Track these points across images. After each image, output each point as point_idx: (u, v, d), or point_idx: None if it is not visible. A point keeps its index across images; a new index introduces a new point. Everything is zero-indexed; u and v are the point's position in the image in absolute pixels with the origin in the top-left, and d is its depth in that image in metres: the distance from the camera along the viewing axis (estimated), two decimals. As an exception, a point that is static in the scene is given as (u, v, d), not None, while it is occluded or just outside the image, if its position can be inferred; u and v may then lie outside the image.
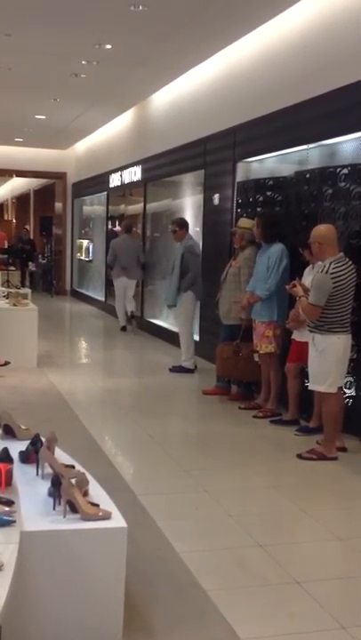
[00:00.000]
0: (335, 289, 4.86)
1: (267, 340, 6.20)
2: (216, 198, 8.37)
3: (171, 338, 10.11)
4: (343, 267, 4.92)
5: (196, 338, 8.52)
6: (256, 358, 6.48)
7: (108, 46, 8.14)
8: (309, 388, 5.29)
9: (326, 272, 4.88)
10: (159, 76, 9.67)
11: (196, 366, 8.10)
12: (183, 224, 8.16)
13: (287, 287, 5.37)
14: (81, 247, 16.99)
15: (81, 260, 17.04)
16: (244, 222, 6.80)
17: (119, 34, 7.72)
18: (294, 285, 5.26)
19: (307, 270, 5.71)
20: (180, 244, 8.03)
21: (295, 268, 6.04)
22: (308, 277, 5.53)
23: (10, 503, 2.64)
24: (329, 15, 6.15)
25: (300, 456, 5.09)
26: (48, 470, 3.03)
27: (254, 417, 6.16)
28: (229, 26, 7.31)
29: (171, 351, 9.55)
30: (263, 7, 6.75)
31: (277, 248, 6.19)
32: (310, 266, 5.66)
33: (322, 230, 5.06)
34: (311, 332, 5.07)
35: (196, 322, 8.59)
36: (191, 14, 6.88)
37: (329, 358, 4.95)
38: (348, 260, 4.99)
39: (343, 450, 5.21)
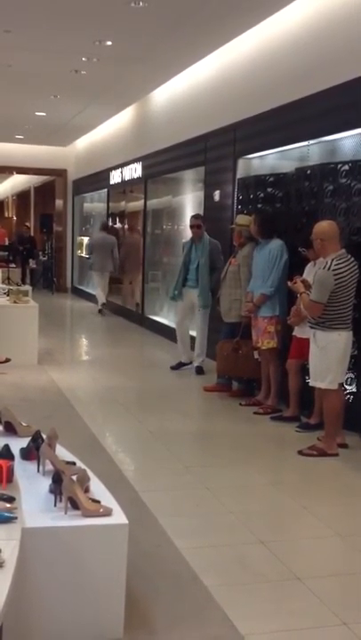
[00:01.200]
0: (337, 286, 4.85)
1: (268, 336, 6.20)
2: (217, 195, 8.36)
3: (171, 335, 10.10)
4: (345, 263, 4.92)
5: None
6: (256, 356, 6.48)
7: (109, 43, 8.13)
8: (310, 384, 5.29)
9: (328, 269, 4.87)
10: (160, 72, 9.65)
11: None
12: (204, 220, 7.87)
13: (289, 283, 5.37)
14: (81, 244, 16.99)
15: (81, 257, 17.03)
16: (242, 219, 6.79)
17: (119, 30, 7.70)
18: (295, 282, 5.26)
19: (308, 267, 5.71)
20: (202, 241, 7.71)
21: (294, 264, 6.04)
22: (309, 275, 5.53)
23: (11, 500, 2.64)
24: (328, 11, 6.13)
25: (300, 452, 5.09)
26: (49, 467, 3.04)
27: (255, 413, 6.17)
28: (230, 22, 7.30)
29: (171, 348, 9.55)
30: (263, 3, 6.74)
31: (277, 244, 6.20)
32: (311, 263, 5.65)
33: (324, 226, 5.05)
34: (312, 328, 5.07)
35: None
36: (191, 11, 6.87)
37: (330, 355, 4.95)
38: (350, 256, 4.99)
39: (344, 446, 5.21)
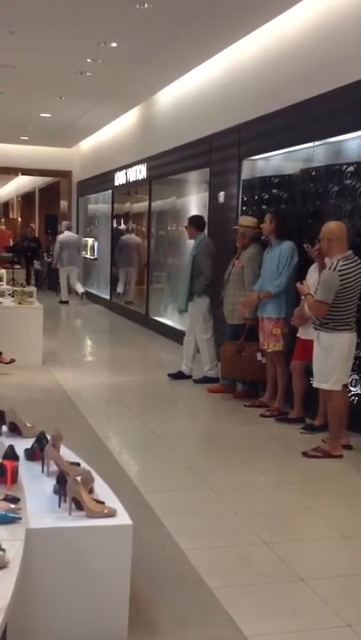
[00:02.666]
0: (342, 286, 4.85)
1: (274, 339, 6.18)
2: (221, 196, 8.36)
3: (175, 336, 10.11)
4: (351, 264, 4.91)
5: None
6: (259, 357, 6.47)
7: (114, 44, 8.14)
8: (314, 385, 5.28)
9: (334, 269, 4.87)
10: (164, 73, 9.66)
11: (220, 376, 7.16)
12: (194, 221, 7.65)
13: (297, 285, 5.34)
14: (86, 245, 17.00)
15: (86, 258, 17.04)
16: (246, 220, 6.78)
17: (124, 32, 7.71)
18: (301, 283, 5.25)
19: (311, 268, 5.70)
20: (193, 244, 7.63)
21: (301, 265, 6.03)
22: (312, 275, 5.53)
23: (15, 500, 2.65)
24: (333, 13, 6.13)
25: (305, 454, 5.09)
26: (53, 468, 3.04)
27: (261, 416, 6.15)
28: (235, 23, 7.30)
29: (176, 349, 9.55)
30: (268, 5, 6.74)
31: (288, 245, 6.16)
32: (315, 264, 5.65)
33: (332, 227, 5.05)
34: (316, 329, 5.06)
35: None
36: (196, 12, 6.87)
37: (334, 356, 4.95)
38: (356, 257, 4.98)
39: (349, 447, 5.20)
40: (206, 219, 8.04)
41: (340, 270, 4.86)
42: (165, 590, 3.12)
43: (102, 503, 2.74)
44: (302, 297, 5.27)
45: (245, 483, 4.62)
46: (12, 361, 7.43)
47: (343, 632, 2.84)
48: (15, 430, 3.59)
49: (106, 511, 2.68)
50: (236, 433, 5.79)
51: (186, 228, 7.80)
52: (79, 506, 2.67)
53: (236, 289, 6.67)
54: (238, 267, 6.72)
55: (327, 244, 5.02)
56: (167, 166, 10.69)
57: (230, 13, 6.94)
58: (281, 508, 4.22)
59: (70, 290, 15.38)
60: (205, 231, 7.75)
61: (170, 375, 7.66)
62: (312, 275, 5.56)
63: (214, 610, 2.96)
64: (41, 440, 3.26)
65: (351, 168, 5.69)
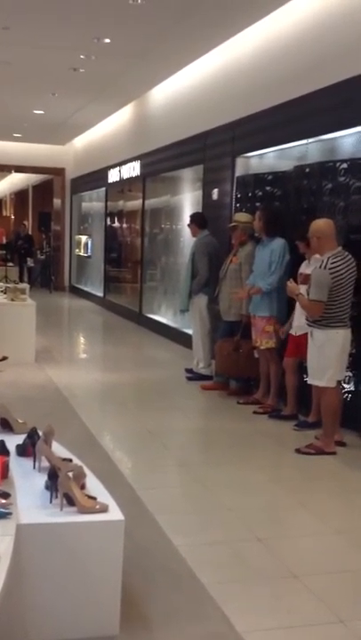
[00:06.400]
0: (334, 283, 4.84)
1: (267, 336, 6.18)
2: (215, 193, 8.34)
3: (169, 334, 10.10)
4: (342, 261, 4.90)
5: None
6: (257, 355, 6.46)
7: (107, 40, 8.11)
8: (309, 382, 5.27)
9: (325, 267, 4.86)
10: (158, 70, 9.64)
11: (213, 373, 7.20)
12: (195, 218, 7.63)
13: (288, 284, 5.32)
14: (80, 243, 16.97)
15: (80, 255, 17.02)
16: (243, 217, 6.77)
17: (118, 28, 7.69)
18: (293, 287, 5.22)
19: (303, 265, 5.69)
20: (194, 242, 7.60)
21: (293, 262, 6.02)
22: (304, 271, 5.52)
23: (6, 496, 2.62)
24: (327, 9, 6.12)
25: (298, 451, 5.08)
26: (45, 464, 3.02)
27: (255, 413, 6.14)
28: (228, 20, 7.28)
29: (169, 347, 9.55)
30: (261, 2, 6.72)
31: (279, 243, 6.16)
32: (306, 261, 5.65)
33: (320, 224, 5.04)
34: (310, 326, 5.05)
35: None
36: (190, 8, 6.85)
37: (328, 353, 4.94)
38: (347, 254, 4.97)
39: (342, 444, 5.20)
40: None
41: (330, 268, 4.85)
42: (158, 586, 3.10)
43: (94, 499, 2.72)
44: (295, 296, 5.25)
45: (239, 479, 4.61)
46: (4, 358, 7.40)
47: (336, 628, 2.83)
48: (6, 426, 3.56)
49: (98, 507, 2.66)
50: (230, 430, 5.78)
51: (188, 225, 7.77)
52: (71, 501, 2.65)
53: (233, 286, 6.66)
54: (236, 263, 6.70)
55: (317, 242, 5.01)
56: (161, 163, 10.66)
57: (224, 10, 6.92)
58: (274, 505, 4.21)
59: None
60: (206, 229, 7.64)
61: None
62: (303, 271, 5.55)
63: (207, 606, 2.95)
64: (33, 436, 3.24)
65: (345, 165, 5.68)
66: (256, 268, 6.34)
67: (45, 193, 20.03)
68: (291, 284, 5.24)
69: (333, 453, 5.04)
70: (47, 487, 2.77)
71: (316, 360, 5.04)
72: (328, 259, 4.89)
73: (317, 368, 5.04)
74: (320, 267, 4.90)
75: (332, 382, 5.01)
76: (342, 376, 5.21)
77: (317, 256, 5.27)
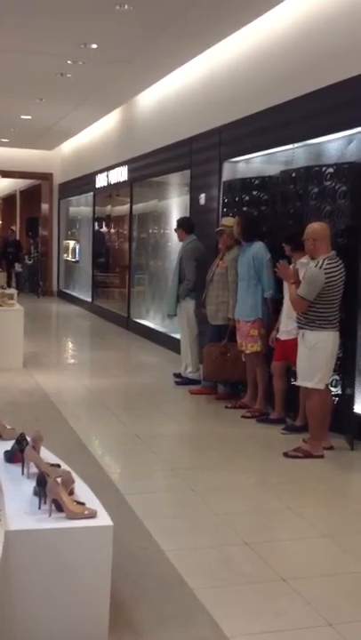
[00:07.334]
0: (327, 284, 4.89)
1: (252, 340, 6.21)
2: (202, 198, 8.37)
3: (157, 338, 10.10)
4: (336, 264, 4.97)
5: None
6: (244, 359, 6.47)
7: (94, 46, 8.13)
8: (298, 384, 5.28)
9: (320, 267, 4.91)
10: (145, 75, 9.66)
11: (201, 377, 7.15)
12: (182, 223, 7.67)
13: (278, 263, 5.30)
14: (67, 248, 16.95)
15: (68, 260, 16.99)
16: (230, 221, 6.79)
17: (105, 33, 7.71)
18: (285, 265, 5.23)
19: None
20: (181, 247, 7.62)
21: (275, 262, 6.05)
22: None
23: (-6, 502, 2.62)
24: (313, 15, 6.16)
25: (286, 454, 5.10)
26: (34, 470, 3.02)
27: (243, 417, 6.15)
28: (215, 26, 7.31)
29: (157, 351, 9.55)
30: (248, 7, 6.76)
31: (259, 246, 6.23)
32: (293, 263, 5.67)
33: (316, 227, 5.08)
34: (301, 328, 5.08)
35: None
36: (177, 14, 6.88)
37: (319, 355, 4.97)
38: (338, 258, 5.03)
39: (330, 448, 5.22)
40: (188, 221, 8.03)
41: (325, 269, 4.90)
42: (146, 591, 3.10)
43: (83, 504, 2.72)
44: (286, 285, 5.26)
45: (227, 483, 4.62)
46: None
47: (325, 631, 2.84)
48: (-6, 432, 3.56)
49: (86, 512, 2.66)
50: (218, 434, 5.79)
51: (175, 230, 7.79)
52: (59, 507, 2.65)
53: (220, 289, 6.68)
54: (222, 267, 6.72)
55: (313, 244, 5.05)
56: (148, 168, 10.68)
57: (211, 15, 6.95)
58: (263, 509, 4.23)
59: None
60: (193, 234, 7.66)
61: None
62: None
63: (196, 610, 2.95)
64: (21, 442, 3.24)
65: (331, 170, 5.71)
66: (240, 273, 6.38)
67: (33, 198, 19.99)
68: (287, 270, 5.22)
69: (321, 457, 5.06)
70: (36, 493, 2.77)
71: (306, 361, 5.07)
72: (324, 260, 4.94)
73: (308, 369, 5.06)
74: (316, 266, 4.94)
75: (321, 384, 5.04)
76: (330, 379, 5.24)
77: (303, 260, 5.31)
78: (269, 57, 6.91)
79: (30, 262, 18.33)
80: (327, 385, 5.24)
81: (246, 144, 7.36)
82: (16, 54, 8.67)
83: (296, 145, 6.52)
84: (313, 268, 4.97)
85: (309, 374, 5.05)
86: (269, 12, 6.82)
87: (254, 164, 7.56)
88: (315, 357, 4.99)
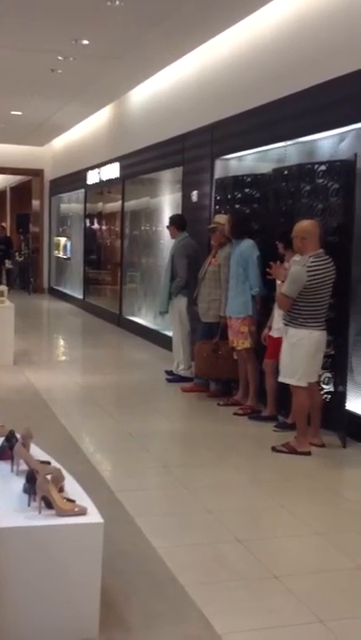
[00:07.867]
0: (310, 282, 4.88)
1: (242, 336, 6.21)
2: (194, 195, 8.35)
3: (149, 336, 10.08)
4: (321, 262, 4.95)
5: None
6: (235, 356, 6.47)
7: (86, 42, 8.09)
8: (279, 380, 5.28)
9: (303, 265, 4.90)
10: (137, 72, 9.63)
11: (194, 375, 7.15)
12: (174, 220, 7.65)
13: (273, 265, 5.29)
14: (59, 245, 16.89)
15: (59, 257, 16.94)
16: (222, 219, 6.77)
17: (96, 29, 7.67)
18: (278, 266, 5.23)
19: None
20: (173, 244, 7.61)
21: (268, 261, 6.03)
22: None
23: (-16, 499, 2.60)
24: (306, 13, 6.15)
25: (273, 448, 5.11)
26: (23, 466, 3.00)
27: (235, 414, 6.14)
28: (207, 22, 7.29)
29: (149, 349, 9.53)
30: (240, 4, 6.74)
31: (248, 244, 6.23)
32: (285, 262, 5.66)
33: (305, 225, 5.07)
34: (286, 325, 5.09)
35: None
36: (168, 10, 6.86)
37: (299, 352, 4.98)
38: (327, 256, 5.01)
39: (322, 446, 5.21)
40: (180, 218, 8.01)
41: (308, 267, 4.89)
42: (137, 588, 3.09)
43: (73, 502, 2.70)
44: (277, 283, 5.27)
45: (219, 481, 4.61)
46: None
47: (316, 628, 2.83)
48: (-16, 430, 3.53)
49: (76, 509, 2.64)
50: (210, 432, 5.78)
51: (167, 227, 7.77)
52: (49, 504, 2.63)
53: (212, 287, 6.66)
54: (215, 265, 6.71)
55: (301, 242, 5.04)
56: (140, 165, 10.65)
57: (203, 11, 6.93)
58: (254, 506, 4.22)
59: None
60: (185, 231, 7.63)
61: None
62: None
63: (187, 608, 2.94)
64: (10, 439, 3.22)
65: (323, 167, 5.71)
66: (230, 270, 6.38)
67: (24, 194, 19.92)
68: (278, 266, 5.22)
69: (307, 453, 5.05)
70: (25, 490, 2.75)
71: (288, 358, 5.08)
72: (309, 258, 4.93)
73: (289, 366, 5.07)
74: (300, 264, 4.94)
75: (303, 382, 5.05)
76: (315, 377, 5.23)
77: (296, 258, 5.30)
78: (262, 54, 6.90)
79: (21, 259, 18.26)
80: (318, 382, 5.23)
81: (239, 141, 7.35)
82: (7, 50, 8.62)
83: (288, 142, 6.51)
84: (297, 267, 4.96)
85: (290, 371, 5.06)
86: (262, 10, 6.81)
87: (247, 161, 7.55)
88: (295, 354, 5.00)
